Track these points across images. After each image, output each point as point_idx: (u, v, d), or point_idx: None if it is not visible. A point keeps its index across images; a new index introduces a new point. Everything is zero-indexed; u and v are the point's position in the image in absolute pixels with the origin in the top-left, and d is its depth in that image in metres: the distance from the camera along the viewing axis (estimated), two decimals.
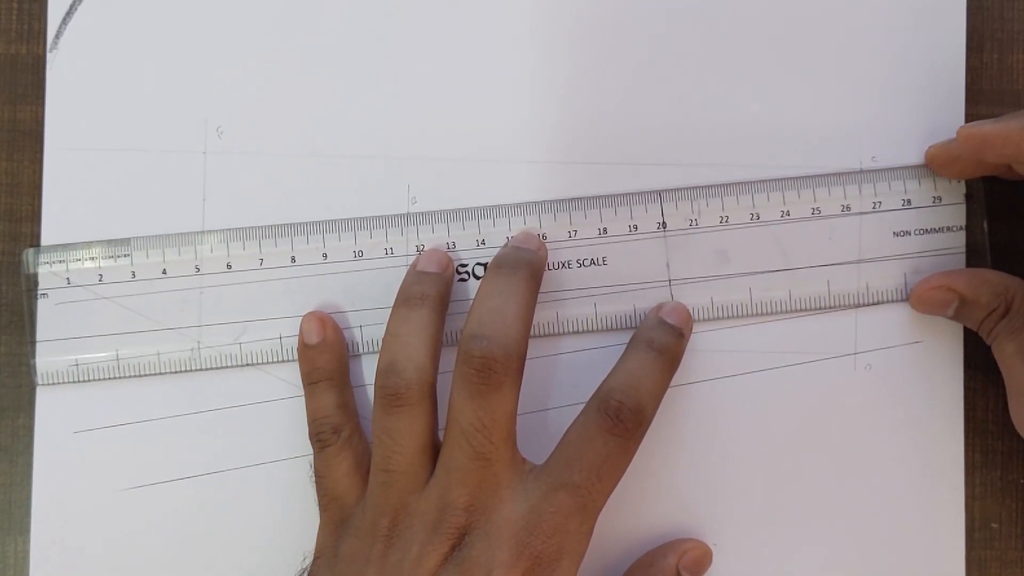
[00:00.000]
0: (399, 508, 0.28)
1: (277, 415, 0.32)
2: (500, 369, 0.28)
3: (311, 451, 0.31)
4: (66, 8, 0.32)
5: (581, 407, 0.29)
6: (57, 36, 0.32)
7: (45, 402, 0.32)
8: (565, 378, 0.32)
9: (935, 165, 0.31)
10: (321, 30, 0.32)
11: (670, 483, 0.32)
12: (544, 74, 0.32)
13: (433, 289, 0.30)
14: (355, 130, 0.32)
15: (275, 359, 0.32)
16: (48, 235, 0.32)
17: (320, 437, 0.30)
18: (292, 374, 0.32)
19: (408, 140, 0.32)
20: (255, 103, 0.32)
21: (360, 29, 0.32)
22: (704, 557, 0.31)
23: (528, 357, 0.29)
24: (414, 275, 0.31)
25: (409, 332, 0.29)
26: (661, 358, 0.30)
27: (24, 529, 0.32)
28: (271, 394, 0.32)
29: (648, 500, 0.32)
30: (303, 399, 0.31)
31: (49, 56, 0.32)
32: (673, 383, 0.31)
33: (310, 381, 0.31)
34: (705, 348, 0.32)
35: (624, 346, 0.31)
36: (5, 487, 0.32)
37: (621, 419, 0.28)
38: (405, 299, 0.30)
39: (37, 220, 0.32)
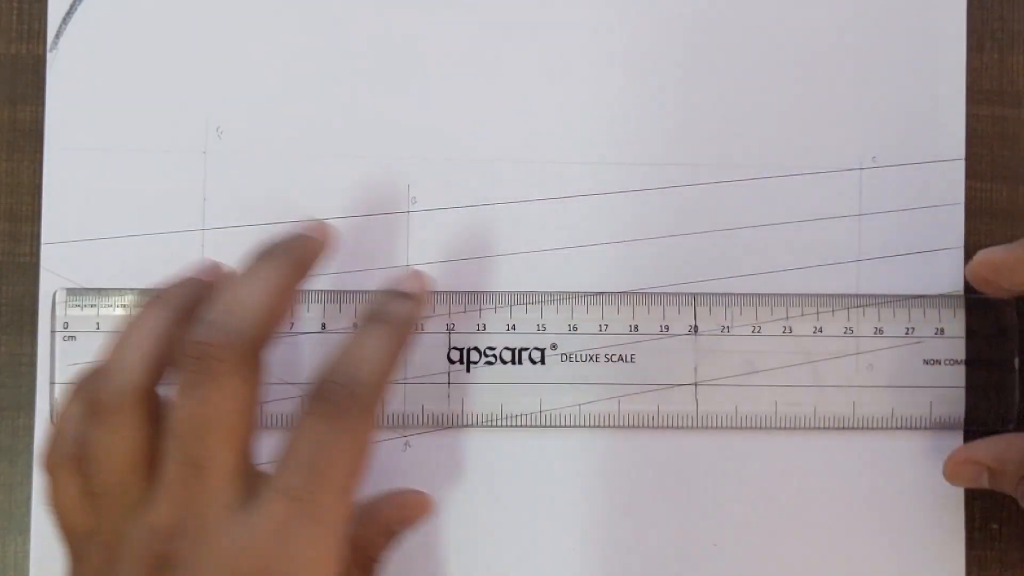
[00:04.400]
0: (111, 539, 0.24)
1: None
2: (219, 355, 0.24)
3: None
4: (66, 8, 0.32)
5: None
6: (57, 36, 0.32)
7: (45, 402, 0.32)
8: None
9: (977, 285, 0.30)
10: (321, 30, 0.32)
11: (670, 483, 0.32)
12: (545, 74, 0.32)
13: (177, 290, 0.26)
14: (355, 130, 0.32)
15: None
16: (48, 235, 0.32)
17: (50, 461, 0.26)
18: None
19: (408, 140, 0.32)
20: (255, 103, 0.32)
21: (360, 29, 0.32)
22: (423, 508, 0.30)
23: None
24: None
25: (127, 333, 0.25)
26: (383, 326, 0.26)
27: (24, 529, 0.32)
28: None
29: (649, 500, 0.32)
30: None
31: (49, 56, 0.32)
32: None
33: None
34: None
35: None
36: (5, 487, 0.32)
37: (332, 399, 0.24)
38: (143, 302, 0.26)
39: (37, 220, 0.32)
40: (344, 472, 0.24)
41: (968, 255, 0.32)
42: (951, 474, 0.30)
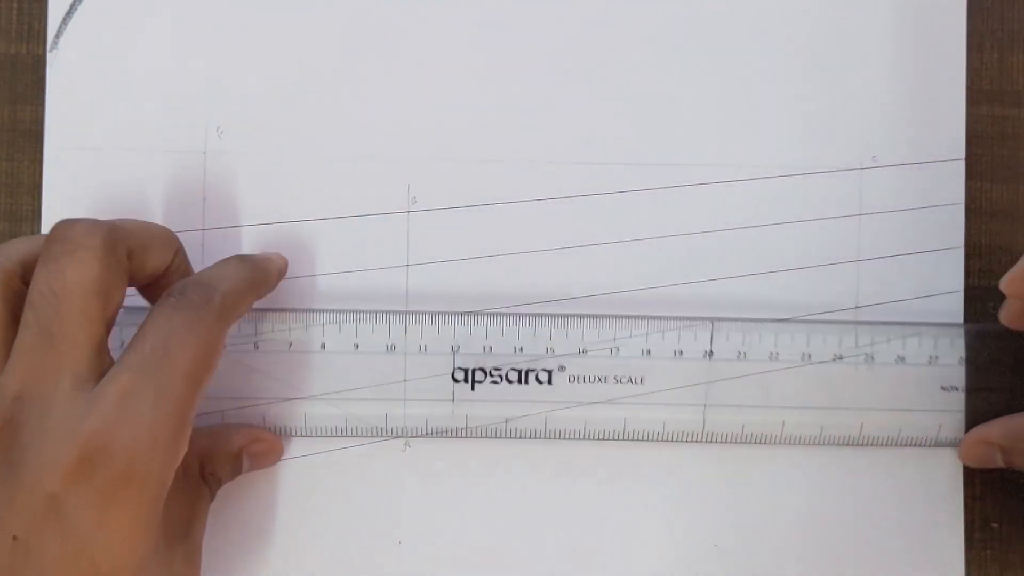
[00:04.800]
0: None
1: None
2: (81, 233, 0.25)
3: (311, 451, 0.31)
4: (66, 8, 0.32)
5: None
6: (57, 36, 0.32)
7: None
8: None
9: (1009, 324, 0.30)
10: (321, 30, 0.32)
11: (670, 481, 0.32)
12: (544, 74, 0.32)
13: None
14: (355, 130, 0.32)
15: (299, 433, 0.31)
16: None
17: None
18: None
19: (408, 140, 0.32)
20: (255, 103, 0.32)
21: (360, 29, 0.32)
22: (271, 452, 0.30)
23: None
24: None
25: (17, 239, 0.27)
26: (244, 261, 0.29)
27: None
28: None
29: (649, 497, 0.32)
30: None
31: (49, 56, 0.32)
32: (671, 385, 0.31)
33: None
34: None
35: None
36: None
37: (186, 296, 0.25)
38: None
39: (37, 220, 0.32)
40: (191, 358, 0.25)
41: (968, 255, 0.32)
42: (965, 455, 0.31)
